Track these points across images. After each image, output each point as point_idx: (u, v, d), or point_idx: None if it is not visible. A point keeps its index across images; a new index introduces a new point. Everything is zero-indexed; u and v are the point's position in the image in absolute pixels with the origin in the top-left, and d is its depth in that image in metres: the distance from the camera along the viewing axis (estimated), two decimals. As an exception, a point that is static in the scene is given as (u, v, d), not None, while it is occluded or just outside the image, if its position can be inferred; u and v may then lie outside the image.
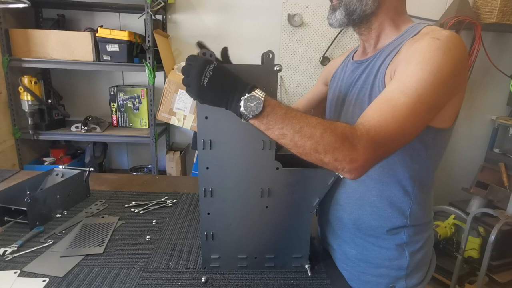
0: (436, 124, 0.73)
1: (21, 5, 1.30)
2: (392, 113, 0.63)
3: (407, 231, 0.80)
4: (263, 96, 0.61)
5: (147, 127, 2.22)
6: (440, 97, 0.67)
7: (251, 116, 0.61)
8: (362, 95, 0.79)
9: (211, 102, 0.65)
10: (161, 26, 2.22)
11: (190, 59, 0.65)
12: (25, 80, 1.89)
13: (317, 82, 1.11)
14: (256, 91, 0.61)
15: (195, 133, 2.21)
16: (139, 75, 2.32)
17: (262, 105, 0.61)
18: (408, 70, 0.66)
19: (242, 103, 0.61)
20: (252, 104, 0.61)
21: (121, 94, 2.18)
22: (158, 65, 2.03)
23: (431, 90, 0.64)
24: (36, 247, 0.90)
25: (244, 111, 0.61)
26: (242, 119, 0.63)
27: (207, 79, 0.62)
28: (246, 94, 0.61)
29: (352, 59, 0.90)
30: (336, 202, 0.86)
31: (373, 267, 0.83)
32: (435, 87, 0.64)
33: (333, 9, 0.80)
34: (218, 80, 0.63)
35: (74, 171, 1.19)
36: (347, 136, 0.61)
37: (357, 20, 0.79)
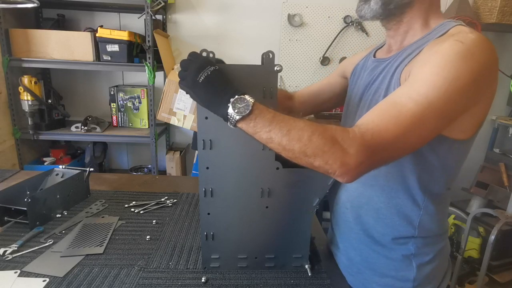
0: (452, 134, 0.68)
1: (30, 5, 1.29)
2: (395, 118, 0.59)
3: (415, 242, 0.76)
4: (252, 100, 0.61)
5: (147, 127, 2.22)
6: (454, 107, 0.61)
7: (238, 117, 0.61)
8: (377, 97, 0.74)
9: (201, 100, 0.66)
10: (161, 26, 2.22)
11: (193, 55, 0.66)
12: (25, 80, 1.89)
13: (332, 74, 1.06)
14: (246, 95, 0.61)
15: (195, 133, 2.21)
16: (139, 75, 2.32)
17: (250, 108, 0.60)
18: (422, 73, 0.61)
19: (230, 104, 0.61)
20: (240, 106, 0.61)
21: (121, 94, 2.19)
22: (158, 65, 2.03)
23: (443, 99, 0.59)
24: (36, 247, 0.90)
25: (231, 112, 0.61)
26: (229, 123, 0.63)
27: (203, 76, 0.63)
28: (236, 96, 0.61)
29: (374, 56, 0.86)
30: (343, 205, 0.84)
31: (378, 276, 0.80)
32: (449, 96, 0.59)
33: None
34: (213, 80, 0.64)
35: (74, 171, 1.19)
36: (337, 139, 0.58)
37: (393, 10, 0.73)
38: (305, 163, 0.61)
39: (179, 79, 0.67)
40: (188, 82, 0.64)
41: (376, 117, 0.61)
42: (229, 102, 0.61)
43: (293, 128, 0.60)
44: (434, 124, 0.61)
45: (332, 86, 1.04)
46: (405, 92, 0.61)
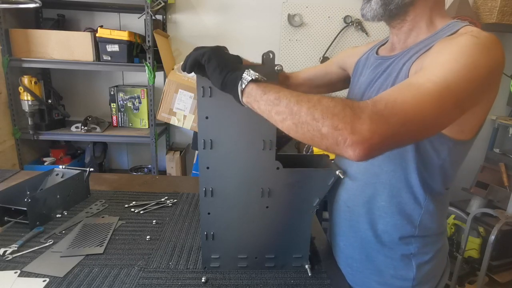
0: (453, 134, 0.68)
1: (32, 5, 1.29)
2: (413, 92, 0.55)
3: (415, 242, 0.76)
4: (265, 78, 0.64)
5: (147, 127, 2.22)
6: (470, 96, 0.59)
7: (250, 78, 0.62)
8: None
9: (218, 63, 0.66)
10: (161, 26, 2.22)
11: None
12: (25, 80, 1.89)
13: (330, 62, 1.05)
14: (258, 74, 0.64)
15: (195, 133, 2.20)
16: (139, 75, 2.32)
17: (264, 80, 0.63)
18: (439, 60, 0.60)
19: (246, 70, 0.63)
20: (256, 74, 0.63)
21: (121, 94, 2.18)
22: (158, 65, 2.03)
23: (462, 84, 0.56)
24: (36, 247, 0.90)
25: (246, 75, 0.62)
26: (240, 84, 0.62)
27: (223, 50, 0.67)
28: (251, 69, 0.63)
29: (377, 53, 0.85)
30: (344, 204, 0.84)
31: (377, 274, 0.80)
32: (467, 82, 0.57)
33: None
34: (231, 56, 0.69)
35: (74, 171, 1.19)
36: (348, 103, 0.54)
37: (394, 10, 0.72)
38: (312, 131, 0.55)
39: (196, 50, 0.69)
40: (208, 48, 0.67)
41: (392, 92, 0.57)
42: (246, 68, 0.63)
43: (303, 94, 0.59)
44: (451, 109, 0.58)
45: (328, 75, 1.05)
46: (423, 75, 0.59)
